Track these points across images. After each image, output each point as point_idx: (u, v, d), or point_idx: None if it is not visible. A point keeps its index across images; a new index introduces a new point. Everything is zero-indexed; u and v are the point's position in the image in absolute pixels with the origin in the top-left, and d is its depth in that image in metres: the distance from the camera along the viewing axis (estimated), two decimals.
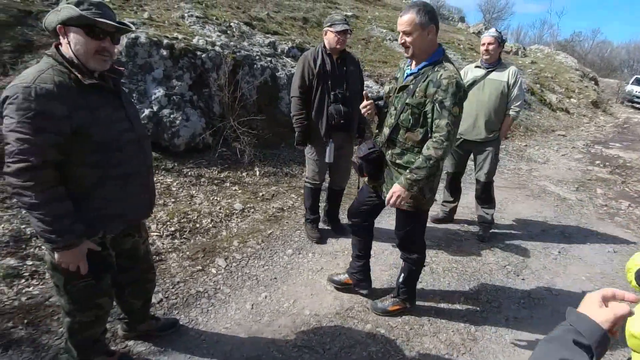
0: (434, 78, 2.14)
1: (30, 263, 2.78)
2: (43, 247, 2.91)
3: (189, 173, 4.27)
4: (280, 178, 4.80)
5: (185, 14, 5.79)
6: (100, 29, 1.57)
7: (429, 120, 2.19)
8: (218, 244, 3.36)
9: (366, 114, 2.40)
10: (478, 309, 2.92)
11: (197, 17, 5.79)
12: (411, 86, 2.23)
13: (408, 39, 2.13)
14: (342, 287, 2.95)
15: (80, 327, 1.89)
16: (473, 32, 16.95)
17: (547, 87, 13.10)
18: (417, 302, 2.84)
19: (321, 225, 3.79)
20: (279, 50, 6.35)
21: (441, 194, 4.84)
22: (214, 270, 3.05)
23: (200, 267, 3.06)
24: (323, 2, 11.86)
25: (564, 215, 4.81)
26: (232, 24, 6.21)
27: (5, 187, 3.28)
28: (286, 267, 3.20)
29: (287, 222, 3.88)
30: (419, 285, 3.04)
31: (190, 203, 3.84)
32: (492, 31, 3.61)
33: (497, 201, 4.20)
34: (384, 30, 11.53)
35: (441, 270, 3.31)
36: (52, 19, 1.55)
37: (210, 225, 3.61)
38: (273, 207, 4.11)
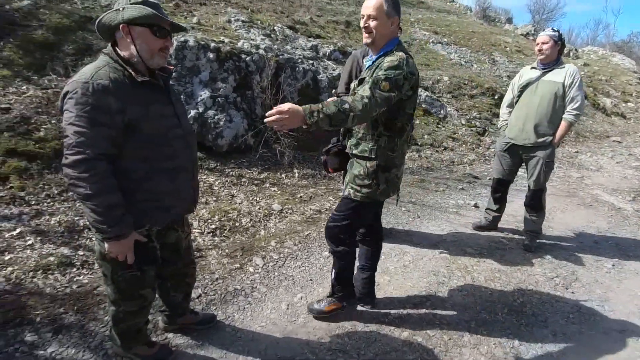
0: (380, 64, 2.08)
1: (82, 253, 2.93)
2: (94, 238, 3.08)
3: (231, 173, 4.37)
4: (319, 180, 4.81)
5: (232, 19, 5.95)
6: (163, 28, 1.64)
7: None
8: (256, 243, 3.40)
9: None
10: (523, 322, 2.77)
11: (242, 21, 5.94)
12: (367, 77, 2.16)
13: (372, 24, 2.09)
14: (324, 315, 2.64)
15: (124, 316, 1.96)
16: (521, 34, 16.28)
17: (600, 90, 12.35)
18: (457, 312, 2.74)
19: None
20: (321, 54, 6.38)
21: (481, 200, 4.69)
22: (251, 269, 3.08)
23: (239, 265, 3.11)
24: None
25: (619, 226, 4.49)
26: (275, 27, 6.31)
27: (62, 180, 3.51)
28: (322, 269, 3.19)
29: (324, 224, 3.85)
30: (459, 294, 2.94)
31: (230, 202, 3.92)
32: (548, 30, 3.40)
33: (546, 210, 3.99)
34: (427, 33, 11.33)
35: (483, 280, 3.18)
36: (112, 17, 1.60)
37: (249, 225, 3.66)
38: (311, 208, 4.12)
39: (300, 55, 5.79)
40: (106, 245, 1.66)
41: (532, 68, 3.54)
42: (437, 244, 3.66)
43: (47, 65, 4.18)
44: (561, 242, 3.99)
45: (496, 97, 8.30)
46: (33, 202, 3.28)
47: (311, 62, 5.81)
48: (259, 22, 6.30)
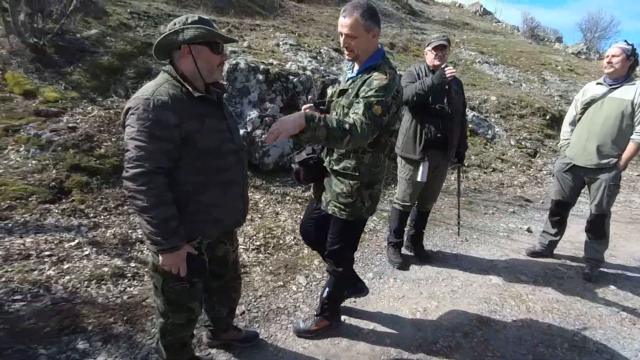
0: (368, 80, 2.00)
1: (133, 265, 3.04)
2: (145, 251, 3.19)
3: (276, 191, 4.42)
4: None
5: (280, 42, 6.15)
6: (219, 44, 1.71)
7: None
8: (299, 262, 3.39)
9: None
10: (585, 358, 2.54)
11: (290, 44, 6.13)
12: (349, 90, 2.10)
13: (352, 43, 2.01)
14: (311, 335, 2.57)
15: (172, 328, 1.98)
16: (572, 53, 15.63)
17: None
18: (511, 344, 2.56)
19: (403, 250, 3.64)
20: None
21: (535, 224, 4.43)
22: (294, 287, 3.06)
23: (282, 283, 3.09)
24: (410, 28, 11.88)
25: None
26: (321, 50, 6.45)
27: (119, 194, 3.69)
28: None
29: (367, 245, 3.80)
30: (514, 325, 2.76)
31: (275, 220, 3.95)
32: (621, 42, 3.14)
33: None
34: (473, 53, 11.14)
35: (539, 310, 2.96)
36: (172, 39, 1.68)
37: (293, 243, 3.66)
38: None
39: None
40: (160, 257, 1.69)
41: (597, 84, 3.32)
42: (488, 270, 3.48)
43: (110, 87, 4.48)
44: (625, 272, 3.67)
45: (547, 117, 7.94)
46: (91, 215, 3.46)
47: None
48: (306, 45, 6.46)
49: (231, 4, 7.90)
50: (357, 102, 1.97)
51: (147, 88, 1.65)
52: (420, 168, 3.18)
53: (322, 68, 5.69)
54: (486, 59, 10.82)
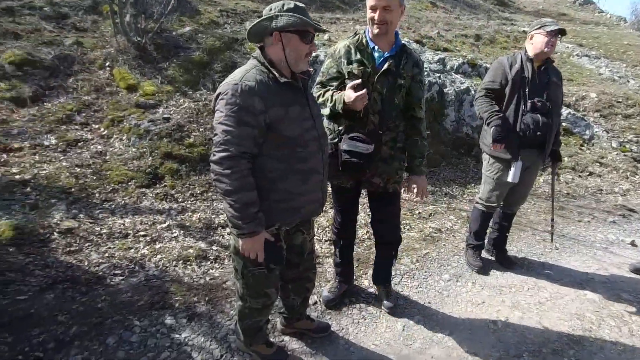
0: (413, 59, 2.27)
1: (215, 248, 3.22)
2: (227, 235, 3.37)
3: None
4: (439, 198, 4.57)
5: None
6: (310, 33, 1.72)
7: (410, 98, 2.31)
8: (371, 257, 3.33)
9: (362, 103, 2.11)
10: None
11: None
12: (393, 69, 2.18)
13: (388, 16, 2.07)
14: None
15: (249, 312, 2.06)
16: None
17: None
18: None
19: (484, 254, 3.43)
20: (448, 67, 6.14)
21: (635, 235, 3.91)
22: (366, 282, 3.03)
23: (354, 277, 3.08)
24: (497, 19, 11.14)
25: None
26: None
27: (204, 181, 3.94)
28: (442, 293, 2.98)
29: (444, 245, 3.64)
30: (614, 349, 2.48)
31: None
32: None
33: None
34: (570, 45, 10.13)
35: None
36: (265, 26, 1.71)
37: (366, 237, 3.63)
38: (430, 226, 3.92)
39: (426, 68, 5.65)
40: (240, 241, 1.76)
41: None
42: (582, 284, 3.14)
43: (200, 81, 4.80)
44: None
45: None
46: (180, 199, 3.74)
47: (438, 75, 5.62)
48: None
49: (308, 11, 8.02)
50: (420, 89, 2.32)
51: (236, 74, 1.71)
52: (512, 168, 2.89)
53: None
54: (585, 51, 9.77)
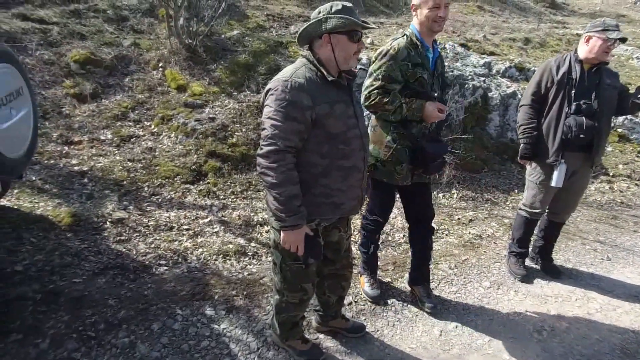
0: (441, 55, 2.49)
1: (254, 245, 3.30)
2: (264, 234, 3.45)
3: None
4: (480, 204, 4.44)
5: None
6: (358, 32, 1.75)
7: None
8: (408, 260, 3.27)
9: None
10: None
11: None
12: (440, 69, 2.42)
13: (447, 13, 2.23)
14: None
15: (286, 306, 2.10)
16: None
17: None
18: None
19: (527, 262, 3.29)
20: (494, 71, 5.96)
21: None
22: (402, 285, 2.99)
23: (390, 280, 3.06)
24: (549, 22, 10.66)
25: None
26: (446, 45, 6.18)
27: (244, 180, 4.06)
28: (481, 299, 2.89)
29: (484, 251, 3.52)
30: None
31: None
32: None
33: None
34: (629, 48, 9.51)
35: None
36: (315, 28, 1.75)
37: (402, 241, 3.59)
38: (470, 232, 3.82)
39: (471, 72, 5.52)
40: (282, 233, 1.80)
41: None
42: (637, 296, 2.95)
43: (244, 83, 4.94)
44: None
45: None
46: (221, 197, 3.87)
47: (482, 79, 5.47)
48: (441, 46, 6.27)
49: (357, 3, 8.04)
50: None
51: (287, 71, 1.76)
52: (556, 171, 2.77)
53: (446, 64, 5.45)
54: None
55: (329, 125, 1.75)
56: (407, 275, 3.06)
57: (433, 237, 2.81)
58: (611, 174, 5.33)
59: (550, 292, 2.98)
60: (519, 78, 6.04)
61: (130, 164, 3.87)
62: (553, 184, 2.80)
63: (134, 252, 2.96)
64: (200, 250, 3.15)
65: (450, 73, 5.22)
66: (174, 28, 4.94)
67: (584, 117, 2.67)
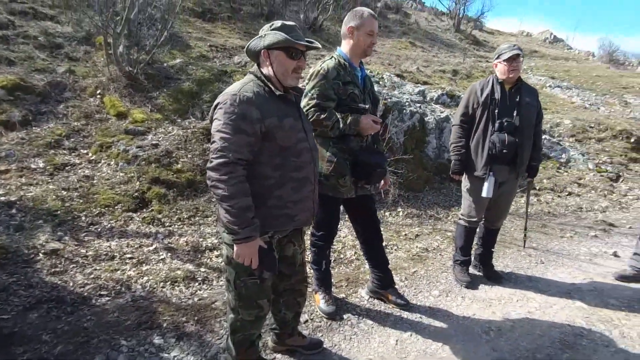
0: (368, 74, 2.70)
1: (204, 270, 3.18)
2: (221, 249, 3.35)
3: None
4: (424, 220, 4.64)
5: None
6: (297, 50, 1.82)
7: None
8: (361, 276, 3.34)
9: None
10: None
11: None
12: (369, 85, 2.65)
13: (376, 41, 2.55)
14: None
15: (241, 324, 2.03)
16: None
17: None
18: None
19: (471, 270, 3.46)
20: (428, 98, 6.41)
21: (622, 249, 4.00)
22: (356, 300, 3.01)
23: (344, 295, 3.06)
24: (473, 57, 11.72)
25: None
26: (384, 76, 6.57)
27: (191, 206, 3.94)
28: (432, 307, 2.98)
29: (432, 263, 3.67)
30: (606, 350, 2.50)
31: (337, 235, 3.97)
32: None
33: None
34: (543, 78, 10.70)
35: (636, 336, 2.64)
36: (256, 44, 1.84)
37: (354, 257, 3.64)
38: (417, 246, 3.96)
39: (407, 99, 5.88)
40: (235, 247, 1.77)
41: None
42: (570, 293, 3.19)
43: (189, 110, 4.89)
44: None
45: (632, 140, 7.30)
46: (167, 224, 3.72)
47: (418, 105, 5.85)
48: (368, 71, 6.62)
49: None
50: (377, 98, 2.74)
51: (235, 86, 1.80)
52: (486, 183, 3.02)
53: (384, 92, 5.78)
54: (558, 83, 10.31)
55: (279, 138, 1.79)
56: (360, 290, 3.10)
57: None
58: (537, 187, 5.83)
59: (494, 296, 3.15)
60: (450, 104, 6.53)
61: (65, 192, 3.62)
62: (484, 194, 3.04)
63: (71, 284, 2.74)
64: (146, 278, 2.98)
65: (389, 100, 5.53)
66: (113, 55, 4.82)
67: (506, 134, 2.96)
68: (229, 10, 8.33)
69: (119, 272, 3.00)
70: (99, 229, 3.43)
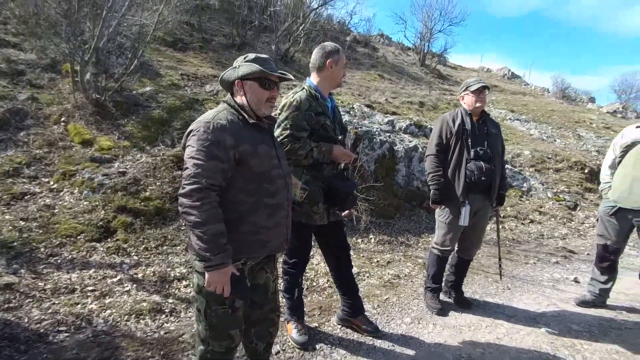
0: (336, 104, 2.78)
1: (171, 301, 3.07)
2: (191, 279, 3.23)
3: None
4: (396, 247, 4.69)
5: None
6: (270, 80, 1.87)
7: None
8: (334, 304, 3.31)
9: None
10: None
11: None
12: (338, 115, 2.73)
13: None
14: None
15: (211, 356, 1.95)
16: (607, 112, 15.55)
17: None
18: None
19: (442, 297, 3.50)
20: (397, 127, 6.62)
21: (582, 275, 4.17)
22: (329, 329, 2.98)
23: (317, 324, 3.02)
24: (438, 90, 12.30)
25: None
26: (354, 106, 6.77)
27: (159, 235, 3.83)
28: (404, 335, 2.98)
29: (403, 290, 3.69)
30: None
31: (309, 263, 3.93)
32: None
33: None
34: (503, 111, 11.31)
35: None
36: (230, 74, 1.89)
37: (327, 285, 3.61)
38: (389, 273, 3.98)
39: (377, 128, 6.06)
40: (207, 274, 1.74)
41: (637, 127, 3.28)
42: (535, 319, 3.27)
43: (158, 137, 4.83)
44: None
45: (586, 171, 7.77)
46: (133, 254, 3.59)
47: (388, 134, 6.03)
48: (339, 101, 6.80)
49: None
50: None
51: (209, 114, 1.82)
52: (462, 211, 3.08)
53: (355, 121, 5.94)
54: (517, 116, 10.92)
55: (253, 164, 1.81)
56: (335, 316, 3.07)
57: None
58: (502, 215, 6.05)
59: (464, 322, 3.18)
60: (418, 134, 6.77)
61: (23, 223, 3.45)
62: (461, 222, 3.10)
63: (26, 320, 2.57)
64: (109, 311, 2.84)
65: (360, 129, 5.68)
66: (80, 83, 4.74)
67: (482, 162, 3.08)
68: (200, 40, 8.43)
69: (79, 305, 2.85)
70: (59, 261, 3.27)
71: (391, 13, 55.12)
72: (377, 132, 5.90)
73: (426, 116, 8.70)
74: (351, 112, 6.44)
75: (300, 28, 9.95)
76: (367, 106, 7.31)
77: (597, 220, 3.51)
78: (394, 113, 7.65)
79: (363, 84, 10.00)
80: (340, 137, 2.58)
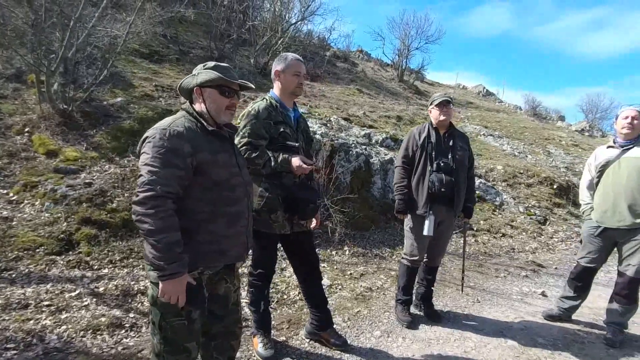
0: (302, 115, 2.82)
1: (132, 316, 2.95)
2: (141, 303, 3.12)
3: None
4: (370, 259, 4.67)
5: None
6: (230, 88, 1.86)
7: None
8: (304, 317, 3.25)
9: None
10: None
11: (302, 112, 6.53)
12: (302, 125, 2.75)
13: (303, 81, 2.66)
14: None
15: None
16: (576, 130, 16.13)
17: None
18: None
19: (412, 309, 3.49)
20: (374, 141, 6.68)
21: (549, 289, 4.22)
22: (297, 343, 2.91)
23: (285, 338, 2.95)
24: (415, 105, 12.53)
25: None
26: (331, 118, 6.81)
27: (125, 247, 3.71)
28: (373, 349, 2.93)
29: (375, 303, 3.66)
30: None
31: (280, 275, 3.88)
32: (636, 106, 3.20)
33: None
34: (477, 127, 11.58)
35: None
36: (189, 82, 1.86)
37: (297, 298, 3.55)
38: (361, 285, 3.95)
39: (354, 141, 6.10)
40: (161, 284, 1.67)
41: (608, 147, 3.35)
42: (502, 332, 3.28)
43: (128, 148, 4.72)
44: None
45: (555, 186, 7.98)
46: (96, 267, 3.45)
47: (364, 147, 6.07)
48: (317, 114, 6.84)
49: (250, 81, 8.53)
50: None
51: (165, 121, 1.78)
52: (426, 222, 3.14)
53: (331, 133, 5.96)
54: (490, 132, 11.20)
55: (213, 173, 1.78)
56: (304, 330, 3.00)
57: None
58: (475, 229, 6.13)
59: (433, 336, 3.16)
60: (394, 147, 6.85)
61: None
62: (425, 232, 3.14)
63: None
64: (64, 327, 2.71)
65: (336, 141, 5.70)
66: (47, 93, 4.60)
67: (443, 174, 3.14)
68: (177, 52, 8.39)
69: (32, 321, 2.71)
70: (14, 275, 3.12)
71: (369, 30, 56.16)
72: (353, 145, 5.94)
73: (403, 130, 8.82)
74: (328, 125, 6.47)
75: (279, 42, 10.02)
76: (345, 119, 7.37)
77: (581, 242, 3.52)
78: (371, 126, 7.73)
79: (342, 98, 10.09)
80: (298, 144, 2.56)
